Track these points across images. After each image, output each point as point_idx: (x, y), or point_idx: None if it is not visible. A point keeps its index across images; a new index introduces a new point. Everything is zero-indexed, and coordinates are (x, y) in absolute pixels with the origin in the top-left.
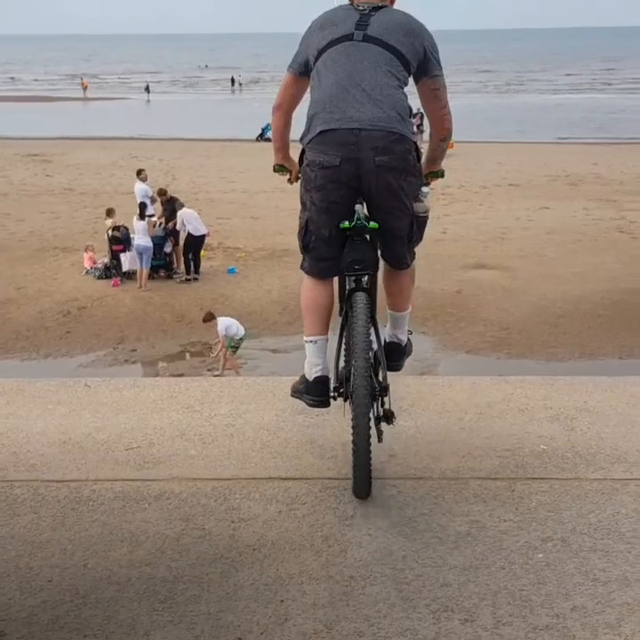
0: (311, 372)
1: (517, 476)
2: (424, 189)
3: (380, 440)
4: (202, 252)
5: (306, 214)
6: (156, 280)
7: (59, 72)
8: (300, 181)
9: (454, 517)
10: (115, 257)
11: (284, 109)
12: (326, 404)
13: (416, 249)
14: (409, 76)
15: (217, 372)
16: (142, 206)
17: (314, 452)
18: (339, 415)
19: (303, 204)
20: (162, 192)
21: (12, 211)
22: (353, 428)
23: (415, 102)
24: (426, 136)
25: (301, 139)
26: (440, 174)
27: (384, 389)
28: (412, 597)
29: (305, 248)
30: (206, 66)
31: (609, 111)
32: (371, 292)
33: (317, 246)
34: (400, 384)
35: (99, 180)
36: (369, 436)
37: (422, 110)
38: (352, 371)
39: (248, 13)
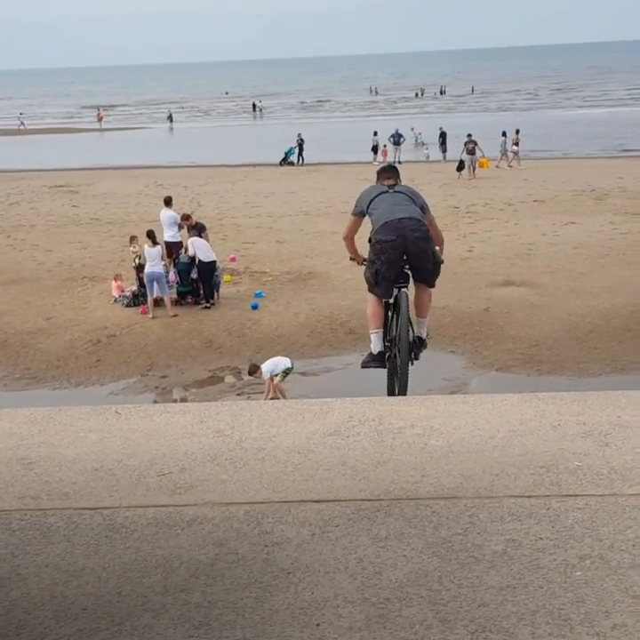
0: (376, 349)
1: (552, 494)
2: (437, 248)
3: (414, 361)
4: (226, 277)
5: (374, 267)
6: (183, 306)
7: (86, 103)
8: (365, 262)
9: (489, 536)
10: (142, 284)
11: (350, 238)
12: (385, 366)
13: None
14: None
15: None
16: (150, 234)
17: (345, 473)
18: (369, 437)
19: (372, 262)
20: (185, 217)
21: (41, 242)
22: (400, 361)
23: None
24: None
25: (370, 239)
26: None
27: (415, 342)
28: (450, 619)
29: (376, 284)
30: (227, 93)
31: (631, 125)
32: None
33: (384, 284)
34: (431, 403)
35: (125, 208)
36: (408, 367)
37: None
38: (401, 333)
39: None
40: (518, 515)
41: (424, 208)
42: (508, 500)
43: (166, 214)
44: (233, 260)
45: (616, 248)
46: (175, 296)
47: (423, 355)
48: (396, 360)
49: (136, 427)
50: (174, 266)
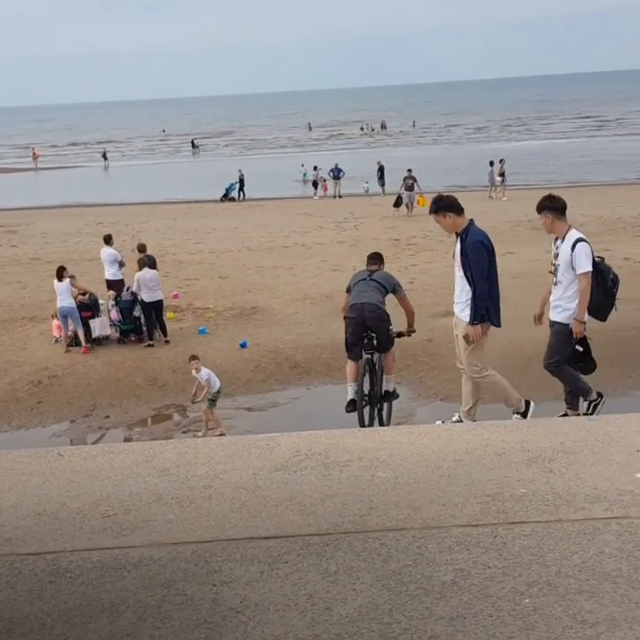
0: (349, 397)
1: (499, 522)
2: (392, 328)
3: (382, 408)
4: (169, 314)
5: (345, 337)
6: (126, 345)
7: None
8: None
9: (438, 567)
10: (84, 324)
11: (344, 308)
12: (355, 410)
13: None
14: (387, 293)
15: (200, 434)
16: (58, 270)
17: (293, 508)
18: (316, 471)
19: (346, 331)
20: (141, 248)
21: None
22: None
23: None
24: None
25: (344, 311)
26: (411, 333)
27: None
28: None
29: (347, 349)
30: (164, 131)
31: (561, 156)
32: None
33: (352, 349)
34: (377, 435)
35: (65, 247)
36: (373, 413)
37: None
38: (377, 388)
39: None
40: (466, 544)
41: (396, 289)
42: (455, 529)
43: (106, 252)
44: (176, 296)
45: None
46: (118, 334)
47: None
48: (369, 408)
49: (79, 468)
50: (117, 304)
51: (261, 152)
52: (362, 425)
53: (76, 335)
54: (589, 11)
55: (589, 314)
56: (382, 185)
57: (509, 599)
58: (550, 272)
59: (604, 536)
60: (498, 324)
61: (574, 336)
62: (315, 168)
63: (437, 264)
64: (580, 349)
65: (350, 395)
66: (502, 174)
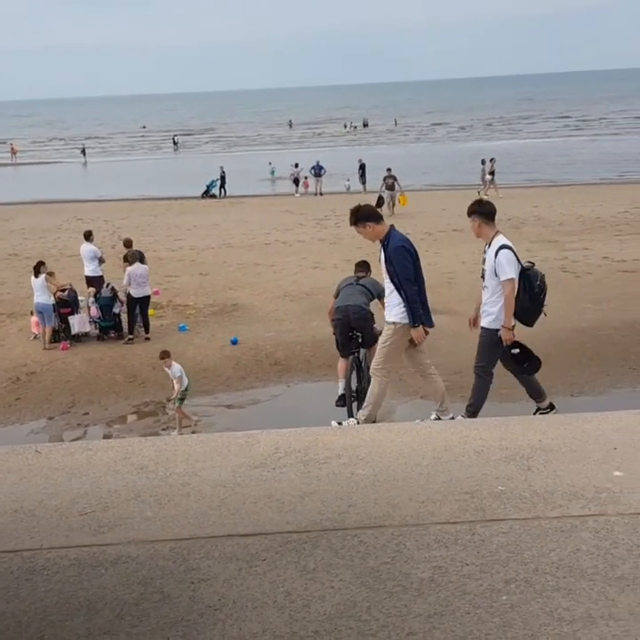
0: (340, 392)
1: (477, 519)
2: (376, 326)
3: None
4: (151, 311)
5: (336, 337)
6: (105, 341)
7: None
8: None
9: (417, 564)
10: (63, 320)
11: (330, 312)
12: (345, 405)
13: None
14: (373, 298)
15: (174, 432)
16: (38, 265)
17: (272, 506)
18: (295, 468)
19: (335, 333)
20: (127, 243)
21: None
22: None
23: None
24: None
25: (331, 315)
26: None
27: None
28: None
29: (337, 348)
30: (144, 127)
31: (542, 155)
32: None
33: (341, 347)
34: (356, 433)
35: (44, 243)
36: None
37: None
38: (364, 384)
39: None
40: (444, 541)
41: (381, 295)
42: (433, 526)
43: (86, 248)
44: (156, 293)
45: None
46: (97, 331)
47: None
48: (357, 402)
49: (57, 465)
50: (96, 300)
51: (243, 149)
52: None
53: (55, 331)
54: (573, 10)
55: (517, 319)
56: (363, 183)
57: (487, 596)
58: (481, 277)
59: (581, 533)
60: (429, 324)
61: (504, 342)
62: (296, 165)
63: None
64: (516, 351)
65: (340, 390)
66: (492, 173)
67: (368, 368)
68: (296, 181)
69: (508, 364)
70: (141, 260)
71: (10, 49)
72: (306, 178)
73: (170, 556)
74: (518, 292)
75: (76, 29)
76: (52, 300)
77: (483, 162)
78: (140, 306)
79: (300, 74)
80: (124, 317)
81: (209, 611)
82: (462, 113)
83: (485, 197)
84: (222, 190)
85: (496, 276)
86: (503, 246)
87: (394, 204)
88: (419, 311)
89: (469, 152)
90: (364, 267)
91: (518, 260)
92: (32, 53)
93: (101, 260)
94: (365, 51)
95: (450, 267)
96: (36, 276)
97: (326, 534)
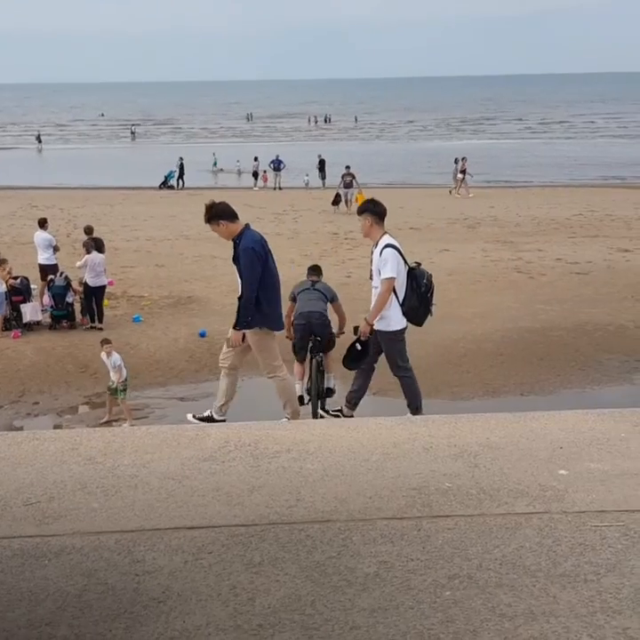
0: (298, 394)
1: (423, 515)
2: (334, 331)
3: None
4: (105, 302)
5: (294, 341)
6: (58, 331)
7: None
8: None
9: (362, 559)
10: (15, 308)
11: (288, 315)
12: (303, 404)
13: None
14: (328, 301)
15: (126, 423)
16: None
17: (220, 499)
18: (245, 462)
19: (294, 337)
20: (88, 230)
21: None
22: (312, 402)
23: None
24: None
25: (293, 321)
26: (340, 335)
27: (325, 392)
28: None
29: (295, 352)
30: (102, 115)
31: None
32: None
33: (300, 352)
34: (307, 427)
35: None
36: (317, 405)
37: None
38: (312, 385)
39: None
40: (390, 537)
41: (334, 299)
42: (380, 522)
43: (41, 236)
44: (110, 283)
45: (488, 275)
46: (49, 320)
47: None
48: (318, 402)
49: (2, 455)
50: (49, 289)
51: (203, 141)
52: (315, 417)
53: (6, 319)
54: (539, 12)
55: (407, 319)
56: (323, 178)
57: (431, 591)
58: (370, 277)
59: (525, 531)
60: (278, 328)
61: (360, 335)
62: (255, 159)
63: None
64: (359, 348)
65: (299, 391)
66: (463, 171)
67: (324, 370)
68: (255, 175)
69: (347, 356)
70: (99, 248)
71: None
72: (265, 172)
73: (115, 548)
74: (406, 291)
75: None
76: (2, 288)
77: (456, 160)
78: (94, 296)
79: (267, 67)
80: (77, 307)
81: (153, 603)
82: (424, 111)
83: (457, 196)
84: (180, 181)
85: (380, 274)
86: (388, 245)
87: (351, 203)
88: (247, 316)
89: (428, 151)
90: (317, 271)
91: (405, 260)
92: None
93: (56, 249)
94: (331, 47)
95: None
96: None
97: (274, 528)
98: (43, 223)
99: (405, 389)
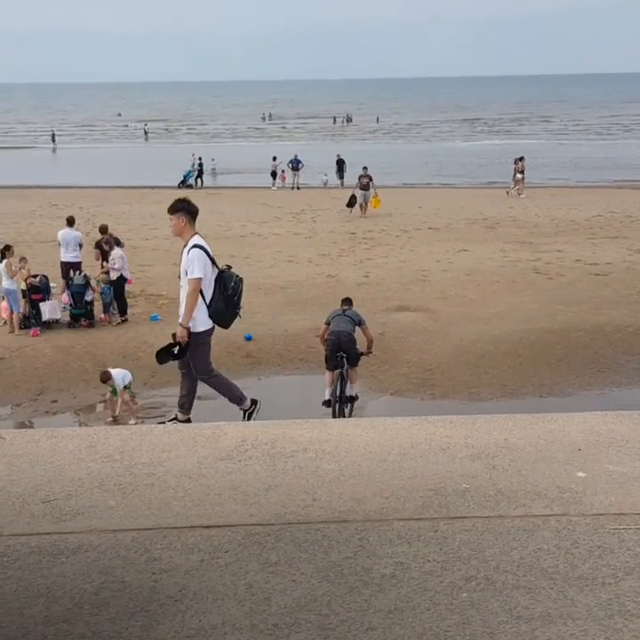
0: (326, 398)
1: (441, 516)
2: (358, 347)
3: (348, 408)
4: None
5: (326, 354)
6: (76, 329)
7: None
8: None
9: (379, 559)
10: (34, 306)
11: (322, 335)
12: (330, 406)
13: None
14: (356, 325)
15: (133, 422)
16: (4, 249)
17: (236, 498)
18: (261, 461)
19: (326, 350)
20: (103, 229)
21: None
22: (339, 408)
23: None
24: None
25: (326, 338)
26: (369, 354)
27: (348, 399)
28: None
29: (327, 362)
30: (119, 114)
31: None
32: (345, 372)
33: (330, 363)
34: (324, 427)
35: (17, 228)
36: (344, 411)
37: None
38: (341, 393)
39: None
40: (407, 537)
41: (361, 323)
42: (397, 522)
43: (71, 234)
44: (129, 282)
45: (506, 275)
46: (68, 318)
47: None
48: (339, 406)
49: (20, 452)
50: (68, 287)
51: (222, 141)
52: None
53: (25, 317)
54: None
55: (213, 321)
56: (341, 178)
57: (447, 593)
58: (178, 277)
59: (542, 533)
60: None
61: (178, 340)
62: (274, 158)
63: (393, 259)
64: (177, 351)
65: (327, 395)
66: (522, 172)
67: (348, 381)
68: (273, 174)
69: (162, 351)
70: (118, 243)
71: None
72: (283, 171)
73: (131, 546)
74: (214, 294)
75: (45, 14)
76: (15, 285)
77: (515, 161)
78: (118, 289)
79: (294, 67)
80: (96, 305)
81: (169, 601)
82: (445, 111)
83: (522, 196)
84: (199, 180)
85: (186, 274)
86: (196, 245)
87: (366, 206)
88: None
89: (448, 152)
90: (347, 301)
91: (213, 262)
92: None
93: (80, 246)
94: (341, 47)
95: (424, 265)
96: (1, 260)
97: (290, 528)
98: (72, 221)
99: (217, 390)
